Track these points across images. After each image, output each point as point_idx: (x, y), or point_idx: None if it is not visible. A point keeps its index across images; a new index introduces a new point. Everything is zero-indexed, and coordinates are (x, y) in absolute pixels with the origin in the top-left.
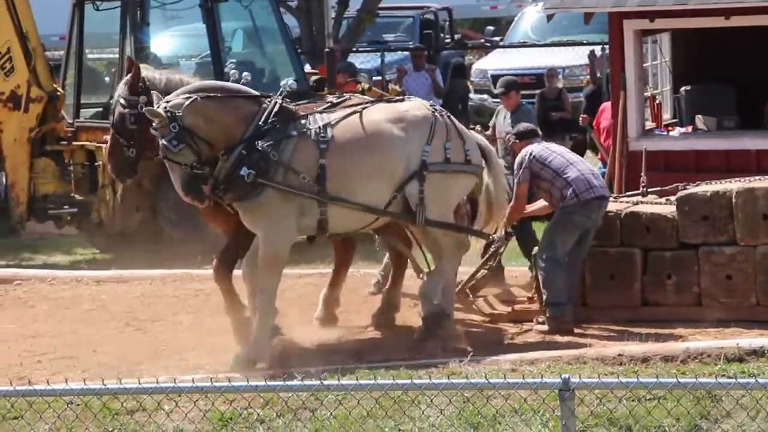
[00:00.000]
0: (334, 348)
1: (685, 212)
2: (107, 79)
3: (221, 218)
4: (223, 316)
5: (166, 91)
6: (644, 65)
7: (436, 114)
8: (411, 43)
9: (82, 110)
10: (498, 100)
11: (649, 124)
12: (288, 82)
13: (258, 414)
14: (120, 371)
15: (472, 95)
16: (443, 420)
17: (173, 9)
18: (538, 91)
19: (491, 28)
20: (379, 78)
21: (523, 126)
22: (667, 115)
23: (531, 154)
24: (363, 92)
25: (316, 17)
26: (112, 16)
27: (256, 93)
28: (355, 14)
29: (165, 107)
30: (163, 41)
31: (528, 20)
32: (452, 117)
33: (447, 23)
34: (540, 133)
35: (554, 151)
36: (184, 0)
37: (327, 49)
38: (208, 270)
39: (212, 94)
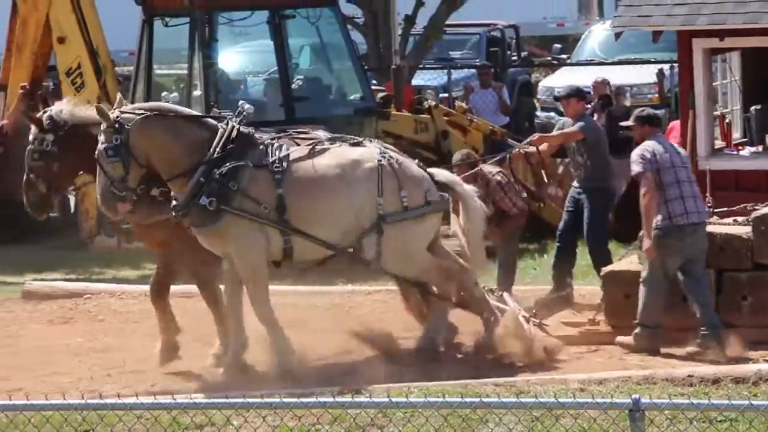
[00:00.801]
0: (402, 365)
1: (761, 232)
2: (175, 94)
3: (152, 236)
4: (290, 331)
5: (78, 125)
6: (714, 84)
7: (383, 163)
8: (477, 60)
9: None
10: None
11: (719, 144)
12: (245, 105)
13: (326, 430)
14: (189, 386)
15: (538, 113)
16: None
17: (241, 25)
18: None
19: (558, 45)
20: (446, 95)
21: (649, 111)
22: (737, 135)
23: (655, 153)
24: (429, 110)
25: (382, 34)
26: (180, 32)
27: (209, 119)
28: (422, 31)
29: (117, 115)
30: (230, 57)
31: (595, 38)
32: (402, 161)
33: (514, 40)
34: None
35: (672, 162)
36: (252, 16)
37: (393, 66)
38: (276, 285)
39: (165, 116)
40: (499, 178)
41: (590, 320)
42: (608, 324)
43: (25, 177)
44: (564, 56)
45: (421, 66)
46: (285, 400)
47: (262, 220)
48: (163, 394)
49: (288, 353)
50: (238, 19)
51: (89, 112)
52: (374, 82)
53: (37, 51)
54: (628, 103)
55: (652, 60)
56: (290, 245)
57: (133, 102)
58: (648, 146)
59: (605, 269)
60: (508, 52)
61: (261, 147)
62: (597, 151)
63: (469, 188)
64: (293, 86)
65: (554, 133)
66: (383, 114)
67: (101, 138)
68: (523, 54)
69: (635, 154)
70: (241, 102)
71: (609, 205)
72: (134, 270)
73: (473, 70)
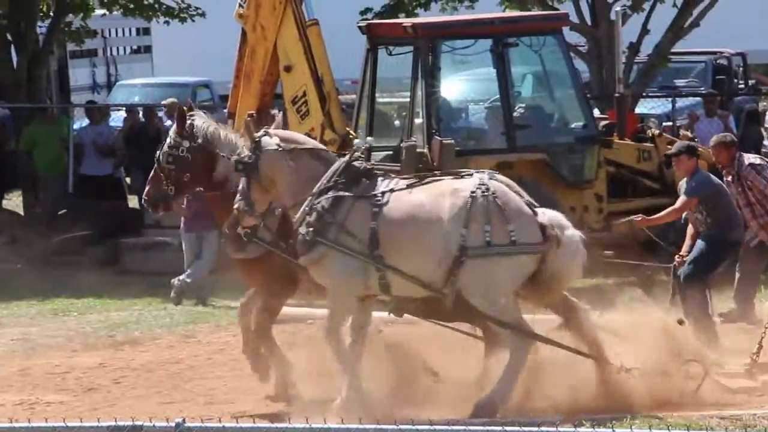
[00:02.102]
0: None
1: None
2: (397, 122)
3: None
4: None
5: (209, 142)
6: None
7: (476, 195)
8: (703, 88)
9: (373, 153)
10: None
11: None
12: (365, 141)
13: None
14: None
15: (766, 142)
16: None
17: (464, 54)
18: None
19: None
20: (670, 124)
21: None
22: None
23: None
24: (652, 138)
25: (606, 62)
26: (403, 60)
27: (329, 152)
28: (647, 59)
29: (258, 136)
30: (453, 85)
31: None
32: (501, 196)
33: (741, 68)
34: None
35: None
36: (475, 45)
37: (617, 94)
38: None
39: (294, 147)
40: (753, 159)
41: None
42: None
43: (152, 173)
44: None
45: (644, 94)
46: (507, 428)
47: (353, 254)
48: (390, 421)
49: (356, 390)
50: (461, 48)
51: (224, 133)
52: (597, 110)
53: (264, 79)
54: None
55: None
56: (385, 280)
57: (355, 130)
58: None
59: None
60: (735, 80)
61: (370, 181)
62: (716, 205)
63: (574, 233)
64: (515, 114)
65: (663, 213)
66: (605, 142)
67: (240, 150)
68: (750, 82)
69: None
70: (357, 141)
71: (723, 255)
72: None
73: (698, 99)
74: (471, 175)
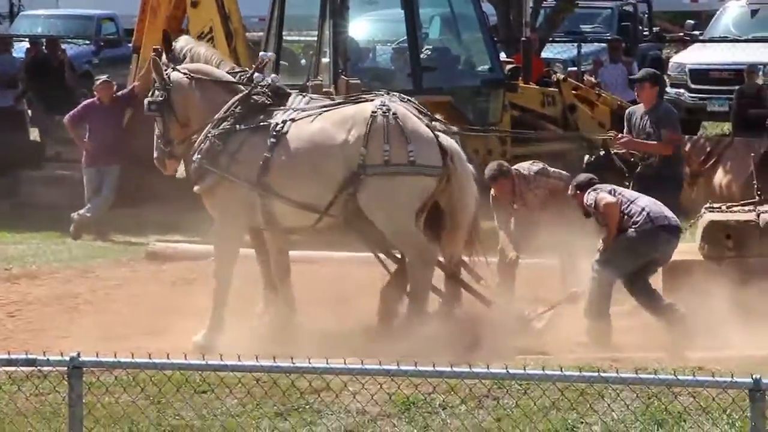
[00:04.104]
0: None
1: None
2: (303, 61)
3: None
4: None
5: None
6: None
7: (377, 115)
8: (608, 34)
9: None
10: (695, 95)
11: None
12: (268, 77)
13: (441, 399)
14: (307, 350)
15: (668, 89)
16: (628, 414)
17: None
18: (736, 87)
19: (691, 21)
20: (574, 69)
21: (583, 176)
22: None
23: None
24: (558, 83)
25: (513, 6)
26: None
27: (235, 82)
28: (554, 4)
29: (167, 74)
30: (360, 25)
31: (730, 15)
32: (401, 117)
33: (646, 16)
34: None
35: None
36: None
37: (523, 38)
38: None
39: (201, 77)
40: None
41: None
42: None
43: None
44: (696, 32)
45: (551, 39)
46: (402, 367)
47: (239, 182)
48: (282, 358)
49: (217, 331)
50: None
51: (210, 51)
52: (503, 53)
53: (170, 14)
54: (760, 81)
55: None
56: (268, 208)
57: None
58: (597, 193)
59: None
60: (640, 27)
61: (266, 112)
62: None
63: (469, 168)
64: (422, 56)
65: (653, 143)
66: (511, 86)
67: (150, 92)
68: (654, 29)
69: (594, 198)
70: (257, 75)
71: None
72: None
73: (603, 45)
74: (374, 98)
